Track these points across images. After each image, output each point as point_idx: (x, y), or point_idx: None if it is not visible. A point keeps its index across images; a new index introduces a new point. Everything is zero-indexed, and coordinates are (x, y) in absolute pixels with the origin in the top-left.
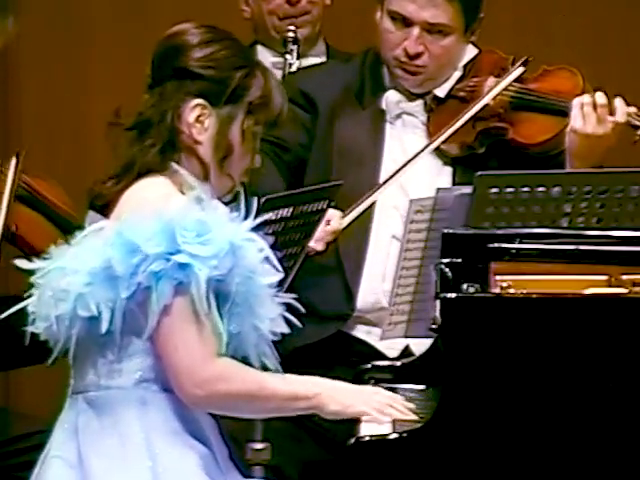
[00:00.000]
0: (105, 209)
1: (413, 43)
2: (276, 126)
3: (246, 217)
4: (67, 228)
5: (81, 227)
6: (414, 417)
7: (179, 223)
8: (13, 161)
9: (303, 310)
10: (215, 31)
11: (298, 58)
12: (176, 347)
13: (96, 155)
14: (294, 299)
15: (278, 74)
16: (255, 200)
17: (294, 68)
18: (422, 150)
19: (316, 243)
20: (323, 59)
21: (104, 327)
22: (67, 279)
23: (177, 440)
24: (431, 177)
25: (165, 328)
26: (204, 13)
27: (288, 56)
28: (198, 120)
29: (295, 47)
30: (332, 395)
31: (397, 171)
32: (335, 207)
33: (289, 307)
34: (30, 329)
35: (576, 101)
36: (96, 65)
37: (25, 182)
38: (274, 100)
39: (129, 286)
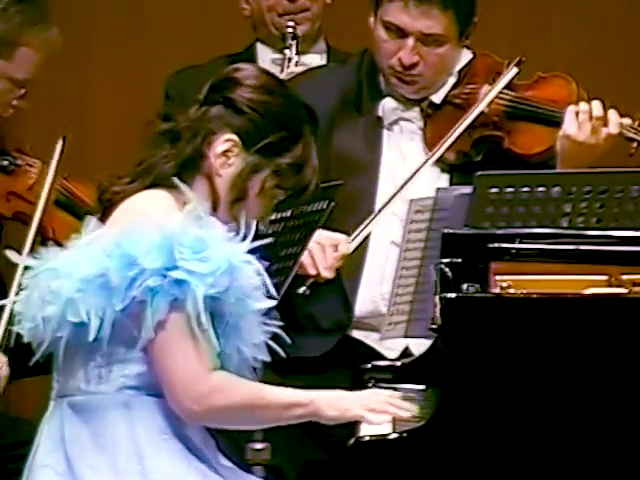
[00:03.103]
0: (104, 213)
1: (408, 54)
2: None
3: (244, 238)
4: None
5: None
6: (413, 411)
7: (177, 239)
8: (59, 145)
9: (289, 340)
10: (278, 84)
11: (297, 53)
12: (172, 363)
13: (96, 154)
14: (279, 327)
15: (277, 70)
16: (254, 222)
17: (293, 64)
18: (423, 164)
19: (327, 271)
20: (323, 57)
21: (92, 335)
22: (58, 282)
23: (163, 440)
24: (429, 184)
25: (160, 344)
26: (204, 11)
27: (287, 51)
28: (225, 154)
29: (294, 42)
30: (329, 401)
31: (400, 189)
32: (336, 230)
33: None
34: (15, 329)
35: (571, 107)
36: (96, 65)
37: (63, 186)
38: (304, 173)
39: (124, 299)
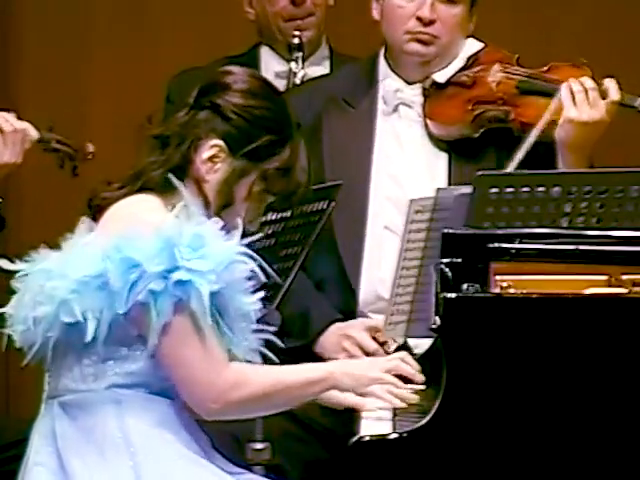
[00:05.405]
0: (94, 218)
1: (428, 9)
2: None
3: (234, 235)
4: None
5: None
6: (420, 378)
7: (177, 239)
8: None
9: (282, 345)
10: (266, 88)
11: (303, 66)
12: (187, 365)
13: (96, 155)
14: (273, 333)
15: (282, 84)
16: (241, 223)
17: (298, 78)
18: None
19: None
20: (326, 65)
21: (89, 336)
22: (52, 283)
23: (155, 435)
24: (426, 164)
25: (169, 346)
26: (208, 14)
27: (293, 64)
28: (211, 160)
29: (300, 54)
30: (346, 370)
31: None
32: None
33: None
34: (7, 332)
35: (564, 85)
36: (96, 65)
37: None
38: (292, 177)
39: (126, 302)
